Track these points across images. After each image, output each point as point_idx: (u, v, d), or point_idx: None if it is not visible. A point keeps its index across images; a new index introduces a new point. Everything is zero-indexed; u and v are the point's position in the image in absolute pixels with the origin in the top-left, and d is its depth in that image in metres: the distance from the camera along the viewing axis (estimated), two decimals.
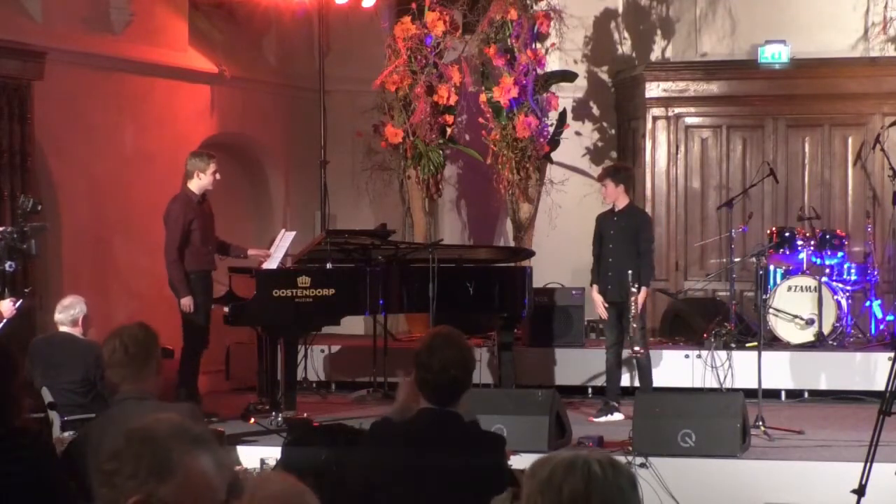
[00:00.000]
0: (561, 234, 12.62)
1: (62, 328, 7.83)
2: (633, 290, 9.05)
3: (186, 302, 9.23)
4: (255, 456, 7.87)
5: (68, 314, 7.76)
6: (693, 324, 11.41)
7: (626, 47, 13.46)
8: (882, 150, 11.75)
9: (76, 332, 7.77)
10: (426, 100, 11.93)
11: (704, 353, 10.48)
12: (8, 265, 7.42)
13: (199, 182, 9.39)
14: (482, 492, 4.06)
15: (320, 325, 9.65)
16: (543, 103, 12.10)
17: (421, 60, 12.00)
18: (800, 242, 11.08)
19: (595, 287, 9.54)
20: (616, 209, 9.55)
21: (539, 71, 12.03)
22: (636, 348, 9.18)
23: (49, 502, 3.95)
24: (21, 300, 7.63)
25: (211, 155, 9.55)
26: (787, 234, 11.14)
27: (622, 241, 9.38)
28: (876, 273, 11.31)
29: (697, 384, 10.42)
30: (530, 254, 11.02)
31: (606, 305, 9.43)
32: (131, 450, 2.44)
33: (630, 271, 9.11)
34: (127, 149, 11.09)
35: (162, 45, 11.46)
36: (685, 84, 12.65)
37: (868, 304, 11.29)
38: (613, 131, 13.50)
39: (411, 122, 11.97)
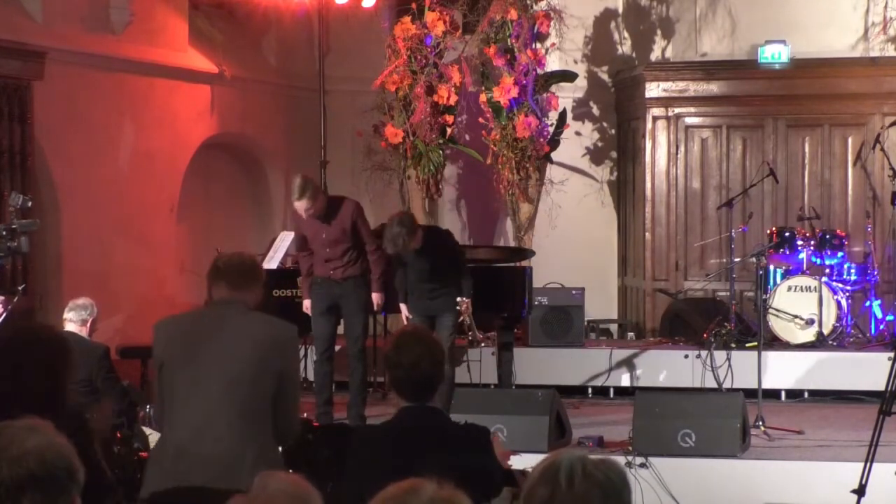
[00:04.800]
0: (561, 234, 12.63)
1: (69, 326, 7.81)
2: (459, 300, 8.74)
3: (305, 304, 8.95)
4: None
5: (79, 314, 7.72)
6: (693, 324, 11.41)
7: (626, 47, 13.46)
8: (882, 150, 11.74)
9: (83, 332, 7.76)
10: (426, 100, 11.93)
11: (704, 353, 10.47)
12: None
13: None
14: (470, 482, 4.12)
15: None
16: (543, 103, 12.11)
17: (421, 60, 12.01)
18: (800, 242, 11.07)
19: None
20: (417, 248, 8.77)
21: (539, 71, 12.03)
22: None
23: (91, 489, 4.08)
24: (13, 298, 7.61)
25: (299, 189, 8.60)
26: (787, 234, 11.13)
27: (430, 270, 8.79)
28: (876, 273, 11.31)
29: (697, 384, 10.40)
30: (530, 254, 11.02)
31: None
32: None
33: (459, 298, 8.74)
34: (127, 149, 11.10)
35: (162, 45, 11.47)
36: (685, 84, 12.64)
37: (868, 304, 11.29)
38: (613, 131, 13.50)
39: (411, 122, 11.98)
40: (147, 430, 7.37)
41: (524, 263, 10.57)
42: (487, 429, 4.39)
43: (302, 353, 10.24)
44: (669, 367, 10.66)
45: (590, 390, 10.86)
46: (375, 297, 8.91)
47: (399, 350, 4.24)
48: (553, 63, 12.68)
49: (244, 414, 4.49)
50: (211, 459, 4.43)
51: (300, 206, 8.61)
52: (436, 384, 4.29)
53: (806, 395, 10.57)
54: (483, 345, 8.98)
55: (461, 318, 8.75)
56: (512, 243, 12.58)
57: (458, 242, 9.30)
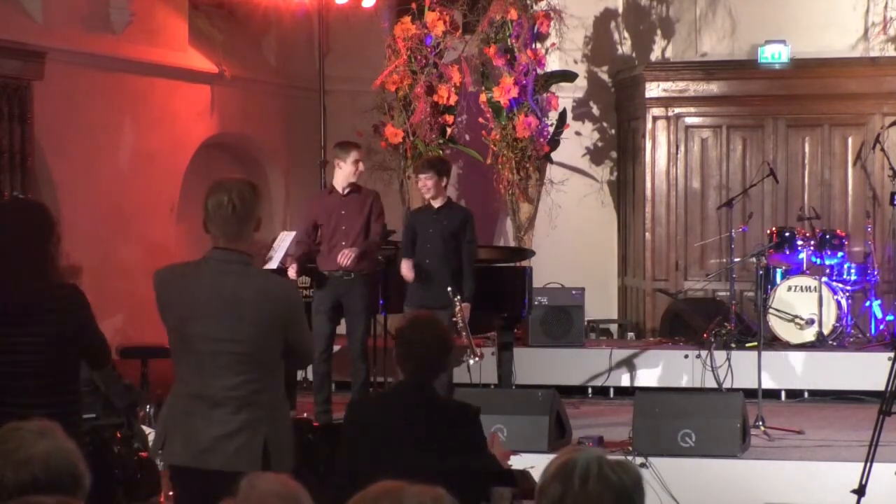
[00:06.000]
0: (561, 234, 12.62)
1: None
2: (457, 301, 8.58)
3: (290, 271, 8.92)
4: None
5: None
6: (693, 324, 11.41)
7: (626, 47, 13.46)
8: (882, 150, 11.75)
9: None
10: (426, 100, 11.93)
11: (704, 353, 10.48)
12: None
13: (341, 172, 8.85)
14: (457, 454, 4.36)
15: None
16: (543, 103, 12.10)
17: (421, 60, 12.00)
18: (800, 242, 11.08)
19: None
20: (435, 205, 8.92)
21: (539, 71, 12.03)
22: (472, 360, 8.70)
23: (84, 352, 4.66)
24: None
25: (352, 144, 9.04)
26: (787, 234, 11.14)
27: (441, 240, 8.76)
28: (876, 273, 11.31)
29: (697, 384, 10.41)
30: (530, 254, 11.02)
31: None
32: None
33: (449, 288, 8.57)
34: (127, 149, 11.10)
35: (162, 45, 11.47)
36: (685, 84, 12.65)
37: (868, 304, 11.29)
38: (613, 131, 13.50)
39: (411, 122, 11.97)
40: (147, 430, 7.36)
41: (524, 263, 10.56)
42: (478, 407, 4.56)
43: None
44: (669, 367, 10.66)
45: (590, 390, 10.86)
46: (344, 255, 8.65)
47: (410, 327, 4.56)
48: (553, 63, 12.68)
49: (254, 396, 4.43)
50: (226, 444, 4.42)
51: (357, 154, 8.90)
52: (435, 367, 4.54)
53: (806, 395, 10.57)
54: (476, 359, 8.72)
55: (454, 319, 8.70)
56: (512, 243, 12.58)
57: (475, 229, 9.09)
